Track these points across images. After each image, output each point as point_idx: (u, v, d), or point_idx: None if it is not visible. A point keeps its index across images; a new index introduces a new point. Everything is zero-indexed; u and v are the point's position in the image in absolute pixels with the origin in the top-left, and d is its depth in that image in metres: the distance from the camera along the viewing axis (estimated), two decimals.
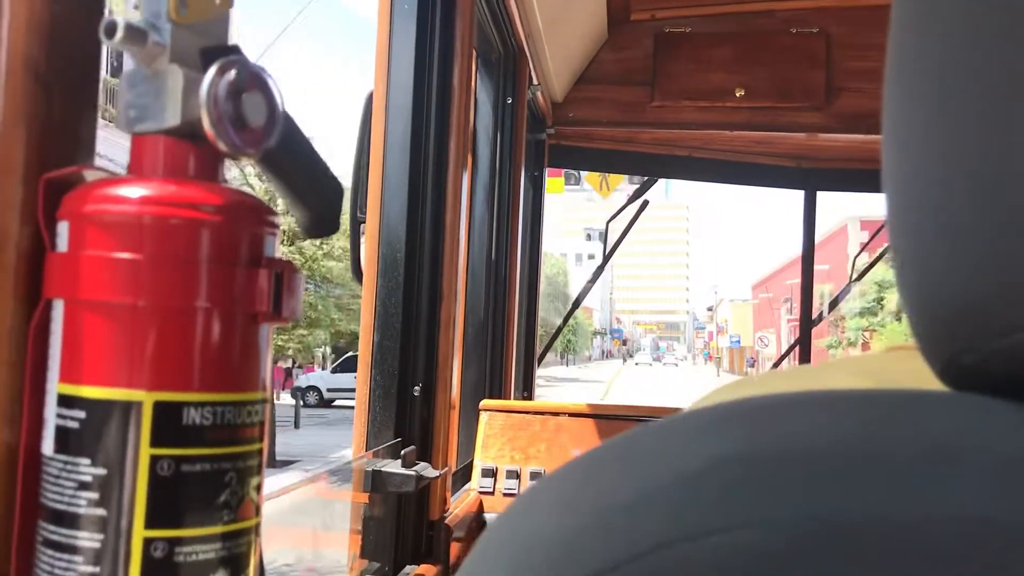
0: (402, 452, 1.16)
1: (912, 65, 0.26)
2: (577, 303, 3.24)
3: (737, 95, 2.51)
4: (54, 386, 0.37)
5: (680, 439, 0.24)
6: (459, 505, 1.57)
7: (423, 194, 1.30)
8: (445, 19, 1.32)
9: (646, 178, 3.14)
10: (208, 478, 0.37)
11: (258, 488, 0.40)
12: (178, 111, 0.38)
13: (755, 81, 2.50)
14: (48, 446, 0.37)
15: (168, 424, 0.36)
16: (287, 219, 0.47)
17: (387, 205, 1.29)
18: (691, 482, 0.22)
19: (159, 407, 0.36)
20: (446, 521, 1.28)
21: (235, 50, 0.39)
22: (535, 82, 2.23)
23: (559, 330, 3.10)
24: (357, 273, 1.32)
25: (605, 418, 1.88)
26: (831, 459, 0.22)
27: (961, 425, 0.23)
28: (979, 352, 0.25)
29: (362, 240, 1.31)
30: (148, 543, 0.36)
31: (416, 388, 1.26)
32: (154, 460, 0.36)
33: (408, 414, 1.25)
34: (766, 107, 2.49)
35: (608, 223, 3.16)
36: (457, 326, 1.78)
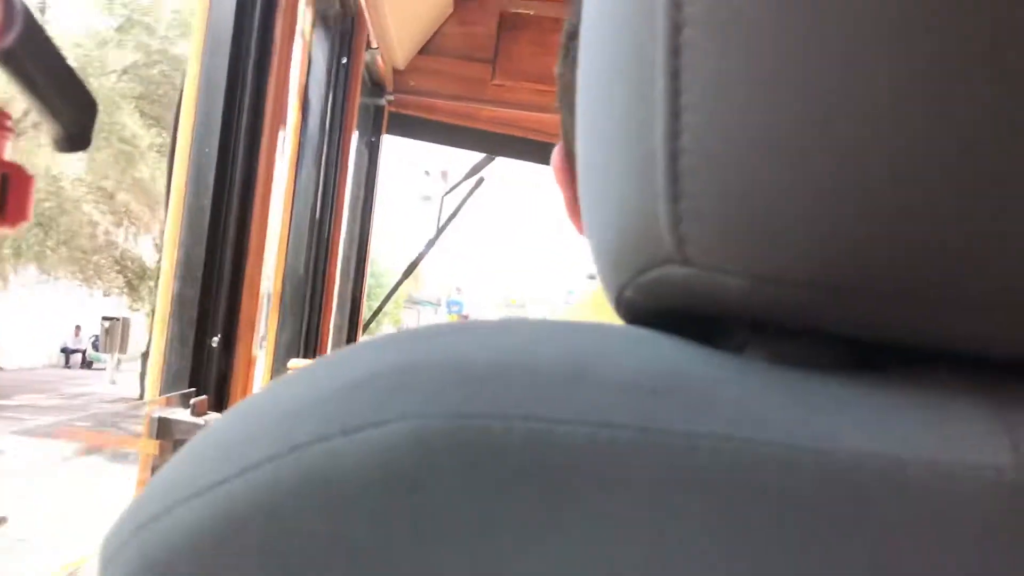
0: (191, 401, 1.14)
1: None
2: (409, 271, 3.24)
3: None
4: None
5: (356, 355, 0.26)
6: None
7: (235, 144, 1.27)
8: None
9: (484, 155, 3.18)
10: None
11: None
12: None
13: None
14: None
15: None
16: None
17: (198, 152, 1.26)
18: (353, 387, 0.24)
19: None
20: None
21: None
22: (374, 46, 2.22)
23: (387, 298, 3.10)
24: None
25: None
26: (481, 368, 0.24)
27: (601, 346, 0.25)
28: (634, 287, 0.28)
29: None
30: None
31: (215, 339, 1.24)
32: None
33: (204, 365, 1.23)
34: None
35: (443, 197, 3.18)
36: (270, 283, 1.75)
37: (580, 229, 0.55)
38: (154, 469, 1.16)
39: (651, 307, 0.28)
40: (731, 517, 0.22)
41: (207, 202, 1.24)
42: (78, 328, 18.16)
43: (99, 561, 0.26)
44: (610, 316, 0.43)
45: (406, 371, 0.24)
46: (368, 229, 2.66)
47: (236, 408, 0.27)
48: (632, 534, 0.22)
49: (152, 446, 1.13)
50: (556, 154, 0.54)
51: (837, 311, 0.24)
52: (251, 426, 0.25)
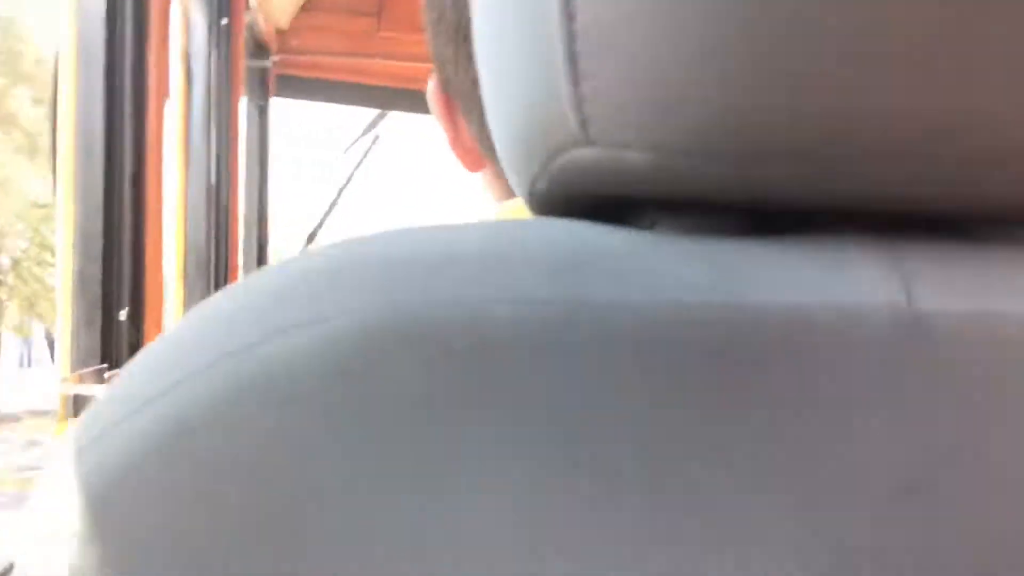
0: (106, 376, 1.13)
1: None
2: (312, 237, 3.20)
3: None
4: None
5: (288, 263, 0.26)
6: None
7: (121, 112, 1.24)
8: None
9: (379, 112, 3.15)
10: None
11: None
12: None
13: None
14: None
15: None
16: None
17: (83, 124, 1.22)
18: (289, 288, 0.25)
19: None
20: None
21: None
22: (252, 5, 2.17)
23: None
24: None
25: None
26: (410, 260, 0.25)
27: (520, 233, 0.26)
28: (544, 177, 0.29)
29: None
30: None
31: (122, 314, 1.22)
32: None
33: (115, 340, 1.21)
34: None
35: (345, 153, 3.14)
36: (175, 254, 1.72)
37: (466, 164, 0.55)
38: None
39: (563, 196, 0.29)
40: (656, 376, 0.23)
41: (98, 176, 1.21)
42: None
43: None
44: None
45: (338, 270, 0.25)
46: (266, 196, 2.62)
47: (184, 318, 0.27)
48: (563, 401, 0.23)
49: (68, 427, 1.11)
50: (432, 88, 0.53)
51: (739, 179, 0.25)
52: (193, 334, 0.25)
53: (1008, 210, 0.27)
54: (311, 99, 2.99)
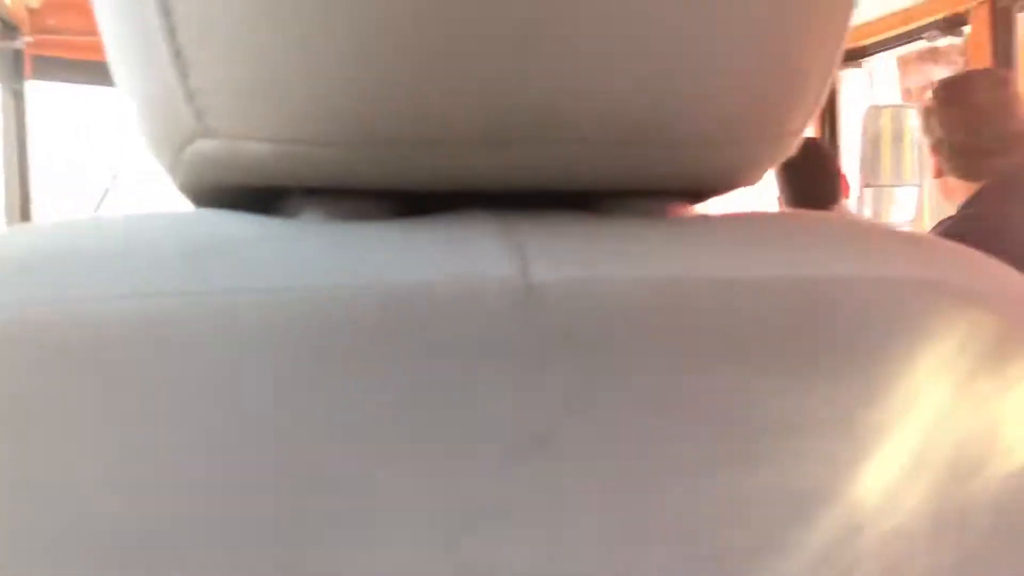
0: None
1: None
2: None
3: None
4: None
5: None
6: None
7: None
8: None
9: None
10: None
11: None
12: None
13: None
14: None
15: None
16: None
17: None
18: None
19: None
20: None
21: None
22: None
23: None
24: None
25: None
26: (30, 257, 0.24)
27: (152, 226, 0.25)
28: (180, 168, 0.28)
29: None
30: None
31: None
32: None
33: None
34: None
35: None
36: None
37: None
38: None
39: (204, 186, 0.28)
40: (281, 359, 0.23)
41: None
42: None
43: None
44: None
45: None
46: (28, 186, 2.43)
47: None
48: (187, 394, 0.22)
49: None
50: None
51: (356, 166, 0.25)
52: None
53: (615, 184, 0.28)
54: (76, 81, 2.78)
